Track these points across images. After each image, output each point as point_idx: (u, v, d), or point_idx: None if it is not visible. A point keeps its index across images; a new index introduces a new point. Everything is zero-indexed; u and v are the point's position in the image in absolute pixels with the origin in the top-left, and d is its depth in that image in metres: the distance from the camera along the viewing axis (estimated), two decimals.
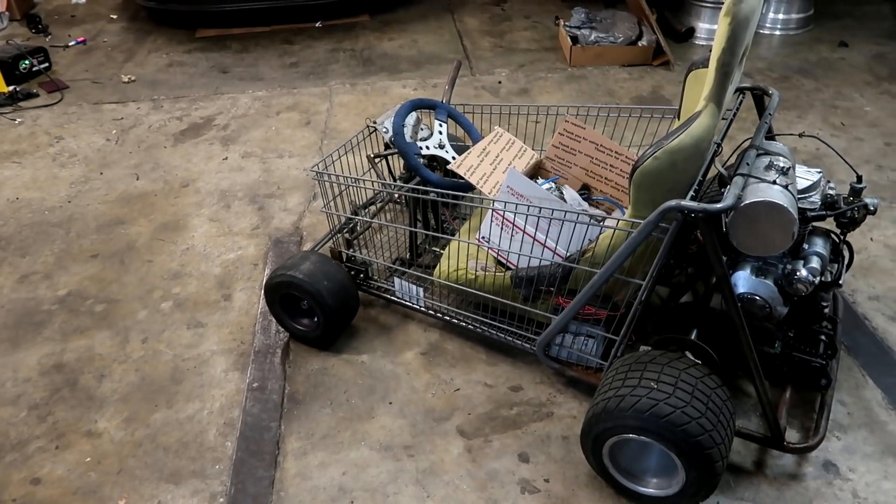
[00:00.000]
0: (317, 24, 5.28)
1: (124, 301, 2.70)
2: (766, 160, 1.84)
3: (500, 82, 4.31)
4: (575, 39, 4.48)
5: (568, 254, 2.11)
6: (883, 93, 4.10)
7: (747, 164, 1.83)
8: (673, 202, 1.68)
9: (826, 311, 2.14)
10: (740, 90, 2.25)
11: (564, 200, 2.40)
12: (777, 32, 4.96)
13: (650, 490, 1.85)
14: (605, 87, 4.24)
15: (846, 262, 2.33)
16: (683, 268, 2.42)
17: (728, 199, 1.66)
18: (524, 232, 2.18)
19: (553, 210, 2.03)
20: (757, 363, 1.82)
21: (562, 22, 4.76)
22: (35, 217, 3.22)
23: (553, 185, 2.46)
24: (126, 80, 4.55)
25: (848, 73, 4.36)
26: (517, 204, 2.11)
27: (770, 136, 2.25)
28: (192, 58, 4.87)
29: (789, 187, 1.75)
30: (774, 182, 1.74)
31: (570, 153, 2.51)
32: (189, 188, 3.39)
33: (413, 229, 2.53)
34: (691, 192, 1.77)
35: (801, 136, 2.16)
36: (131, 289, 2.76)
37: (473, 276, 2.25)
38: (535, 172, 2.59)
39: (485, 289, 2.24)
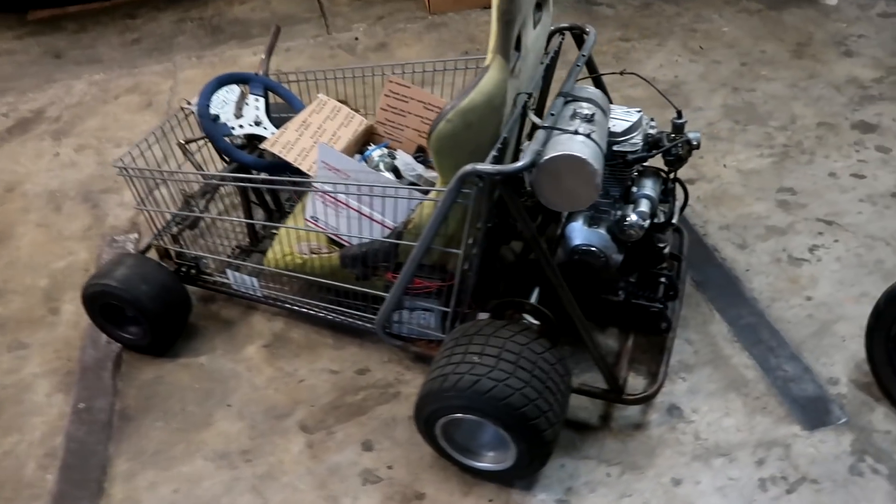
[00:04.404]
0: None
1: None
2: (571, 108, 1.73)
3: (356, 38, 4.08)
4: None
5: (394, 226, 1.99)
6: (741, 10, 4.07)
7: (552, 114, 1.72)
8: (468, 167, 1.56)
9: (666, 251, 2.09)
10: (559, 30, 2.14)
11: (397, 166, 2.27)
12: None
13: (487, 465, 1.79)
14: (467, 32, 4.07)
15: (685, 199, 2.29)
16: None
17: (526, 157, 1.56)
18: (350, 208, 2.04)
19: (382, 185, 1.90)
20: (582, 318, 1.76)
21: None
22: None
23: (385, 150, 2.31)
24: None
25: None
26: (334, 182, 1.97)
27: (595, 76, 2.15)
28: (22, 44, 4.42)
29: (593, 135, 1.65)
30: (576, 132, 1.64)
31: (400, 115, 2.35)
32: (14, 193, 3.08)
33: (241, 220, 2.34)
34: (494, 153, 1.65)
35: (622, 73, 2.08)
36: None
37: (301, 261, 2.10)
38: (368, 139, 2.43)
39: (315, 272, 2.10)
